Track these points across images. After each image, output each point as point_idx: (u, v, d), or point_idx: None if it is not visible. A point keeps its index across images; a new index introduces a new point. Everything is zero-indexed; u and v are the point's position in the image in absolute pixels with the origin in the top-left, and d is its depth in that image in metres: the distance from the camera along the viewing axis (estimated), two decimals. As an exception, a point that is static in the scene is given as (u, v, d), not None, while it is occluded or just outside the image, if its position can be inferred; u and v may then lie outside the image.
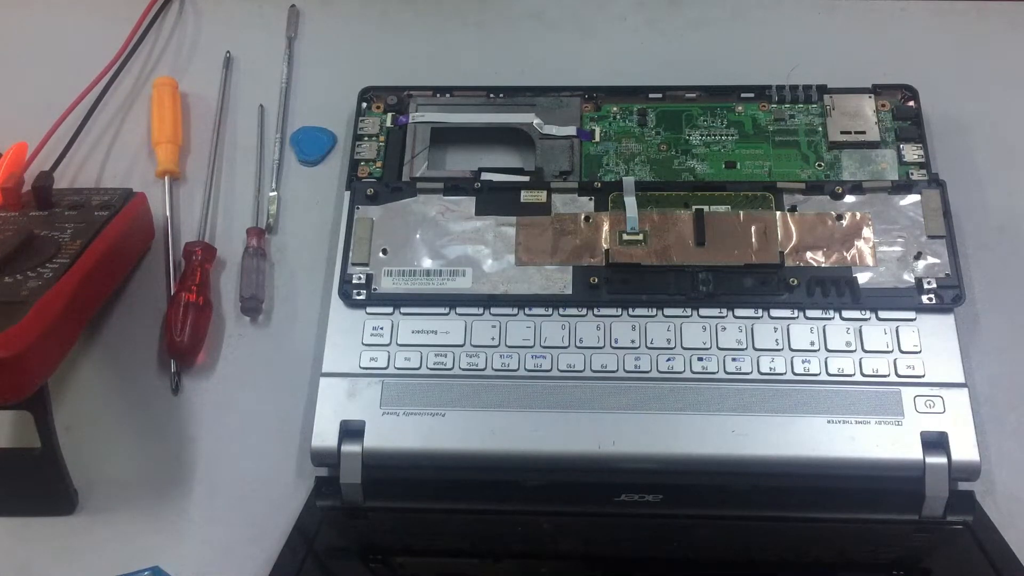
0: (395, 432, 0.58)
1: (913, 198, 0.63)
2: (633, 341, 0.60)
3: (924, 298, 0.60)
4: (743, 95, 0.68)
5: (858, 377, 0.59)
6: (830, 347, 0.59)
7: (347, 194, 0.65)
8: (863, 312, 0.60)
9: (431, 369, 0.60)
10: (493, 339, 0.60)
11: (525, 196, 0.65)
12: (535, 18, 0.76)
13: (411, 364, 0.60)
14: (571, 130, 0.68)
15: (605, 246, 0.63)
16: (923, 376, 0.58)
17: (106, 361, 0.64)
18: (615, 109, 0.69)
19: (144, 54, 0.76)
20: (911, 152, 0.66)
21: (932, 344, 0.59)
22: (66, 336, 0.58)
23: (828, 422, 0.57)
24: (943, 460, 0.56)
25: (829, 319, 0.60)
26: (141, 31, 0.75)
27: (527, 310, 0.61)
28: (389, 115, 0.69)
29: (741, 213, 0.63)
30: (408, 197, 0.65)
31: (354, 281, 0.62)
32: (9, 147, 0.68)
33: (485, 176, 0.66)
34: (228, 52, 0.75)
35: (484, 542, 0.58)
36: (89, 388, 0.63)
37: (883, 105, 0.67)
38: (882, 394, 0.58)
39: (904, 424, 0.57)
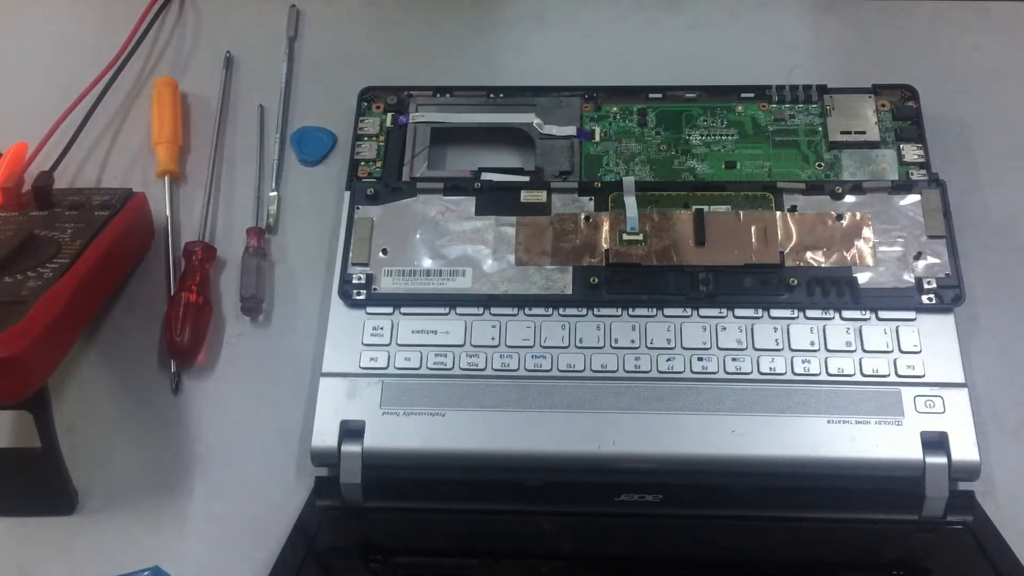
0: (395, 432, 0.58)
1: (913, 198, 0.63)
2: (633, 341, 0.60)
3: (924, 298, 0.60)
4: (743, 95, 0.68)
5: (858, 377, 0.59)
6: (830, 347, 0.59)
7: (347, 194, 0.65)
8: (863, 312, 0.60)
9: (431, 369, 0.60)
10: (493, 339, 0.60)
11: (525, 196, 0.65)
12: (535, 18, 0.76)
13: (411, 364, 0.60)
14: (571, 130, 0.68)
15: (605, 246, 0.63)
16: (923, 376, 0.58)
17: (106, 361, 0.64)
18: (615, 109, 0.69)
19: (144, 54, 0.76)
20: (911, 152, 0.66)
21: (932, 344, 0.59)
22: (66, 336, 0.58)
23: (828, 422, 0.57)
24: (943, 460, 0.56)
25: (829, 319, 0.60)
26: (141, 31, 0.75)
27: (527, 310, 0.61)
28: (389, 115, 0.69)
29: (741, 213, 0.63)
30: (408, 197, 0.65)
31: (354, 281, 0.62)
32: (9, 147, 0.68)
33: (485, 176, 0.66)
34: (228, 52, 0.75)
35: (484, 542, 0.58)
36: (89, 388, 0.63)
37: (883, 105, 0.67)
38: (882, 394, 0.58)
39: (904, 424, 0.57)
